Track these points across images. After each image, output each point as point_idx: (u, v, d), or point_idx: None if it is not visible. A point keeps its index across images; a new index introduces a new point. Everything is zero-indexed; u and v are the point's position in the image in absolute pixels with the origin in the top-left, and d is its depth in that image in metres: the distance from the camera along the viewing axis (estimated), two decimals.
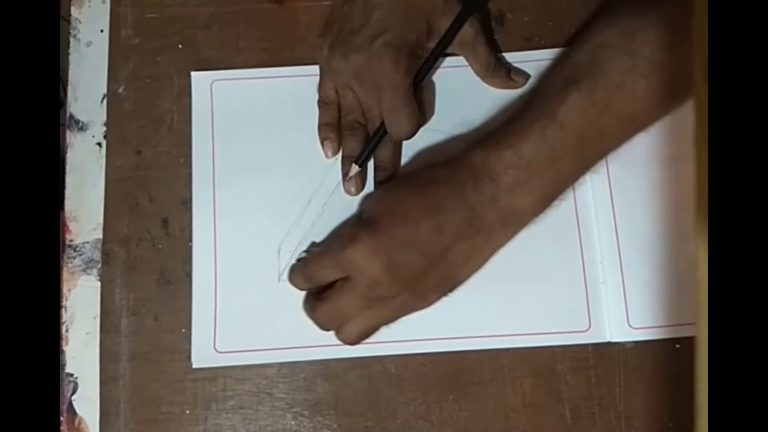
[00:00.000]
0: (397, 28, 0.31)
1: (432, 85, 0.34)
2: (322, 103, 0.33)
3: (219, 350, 0.31)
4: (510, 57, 0.34)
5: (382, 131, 0.31)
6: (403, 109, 0.30)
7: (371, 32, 0.31)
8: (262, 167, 0.33)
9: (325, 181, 0.33)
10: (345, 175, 0.32)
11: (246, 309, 0.32)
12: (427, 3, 0.32)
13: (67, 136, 0.34)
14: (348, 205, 0.32)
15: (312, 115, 0.33)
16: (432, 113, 0.33)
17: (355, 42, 0.31)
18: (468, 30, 0.32)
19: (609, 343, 0.31)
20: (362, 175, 0.32)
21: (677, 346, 0.31)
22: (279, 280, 0.32)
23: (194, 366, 0.31)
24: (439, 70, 0.34)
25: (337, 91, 0.33)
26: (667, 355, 0.31)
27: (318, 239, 0.32)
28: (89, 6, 0.36)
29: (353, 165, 0.32)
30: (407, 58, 0.31)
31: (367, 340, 0.30)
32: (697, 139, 0.17)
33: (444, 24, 0.32)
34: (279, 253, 0.32)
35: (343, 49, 0.31)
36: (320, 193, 0.33)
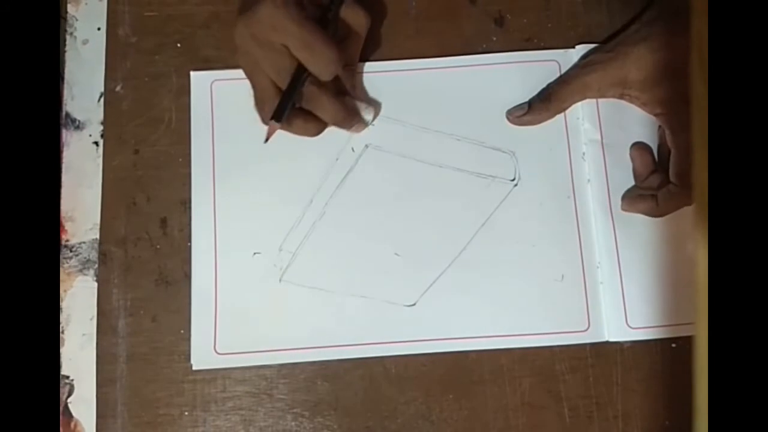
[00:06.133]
0: None
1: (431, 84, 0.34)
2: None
3: (219, 352, 0.31)
4: (510, 57, 0.34)
5: (299, 75, 0.28)
6: (315, 41, 0.27)
7: None
8: (262, 166, 0.33)
9: (327, 181, 0.33)
10: (267, 137, 0.29)
11: (246, 310, 0.31)
12: None
13: (64, 135, 0.34)
14: (350, 205, 0.32)
15: None
16: (357, 56, 0.31)
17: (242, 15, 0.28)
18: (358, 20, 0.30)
19: (607, 343, 0.32)
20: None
21: (673, 345, 0.32)
22: (280, 280, 0.32)
23: (194, 368, 0.31)
24: (434, 71, 0.34)
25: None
26: (663, 355, 0.31)
27: (319, 239, 0.32)
28: (86, 3, 0.35)
29: (271, 121, 0.28)
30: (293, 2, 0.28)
31: (368, 340, 0.31)
32: (696, 139, 0.17)
33: None
34: (280, 253, 0.32)
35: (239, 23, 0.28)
36: (322, 193, 0.32)
